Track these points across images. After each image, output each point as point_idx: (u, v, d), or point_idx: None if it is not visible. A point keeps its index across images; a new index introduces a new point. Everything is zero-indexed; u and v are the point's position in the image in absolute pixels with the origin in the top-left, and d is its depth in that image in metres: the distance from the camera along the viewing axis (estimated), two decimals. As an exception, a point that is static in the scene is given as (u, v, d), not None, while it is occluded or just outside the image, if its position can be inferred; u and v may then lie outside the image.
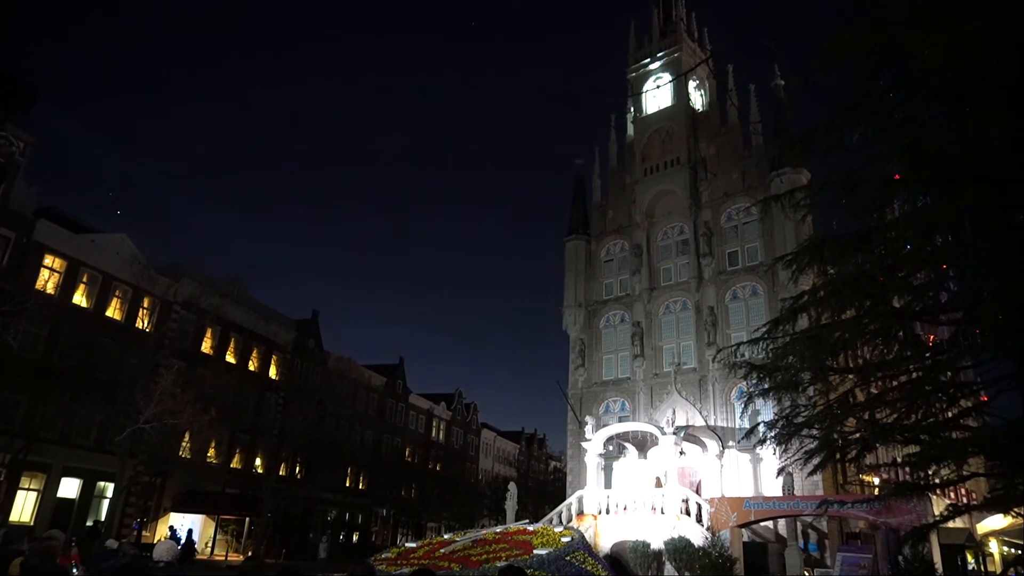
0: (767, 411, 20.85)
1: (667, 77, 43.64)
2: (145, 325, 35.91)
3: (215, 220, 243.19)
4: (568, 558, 21.04)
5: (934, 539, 22.96)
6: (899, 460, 13.86)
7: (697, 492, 31.55)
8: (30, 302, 27.43)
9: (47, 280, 32.25)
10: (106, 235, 36.40)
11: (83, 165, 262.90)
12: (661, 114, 43.13)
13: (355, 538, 53.42)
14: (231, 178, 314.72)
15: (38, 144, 32.13)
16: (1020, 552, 39.14)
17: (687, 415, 34.84)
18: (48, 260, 32.37)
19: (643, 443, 35.71)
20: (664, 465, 31.82)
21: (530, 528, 26.25)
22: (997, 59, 8.81)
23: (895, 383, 11.78)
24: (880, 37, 9.41)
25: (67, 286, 33.03)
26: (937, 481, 12.42)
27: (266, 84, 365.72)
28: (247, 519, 41.21)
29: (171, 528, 36.57)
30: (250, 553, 39.24)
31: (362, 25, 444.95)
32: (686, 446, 33.37)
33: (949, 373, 11.70)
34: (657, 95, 44.12)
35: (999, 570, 34.54)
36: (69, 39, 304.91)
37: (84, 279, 34.00)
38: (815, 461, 12.74)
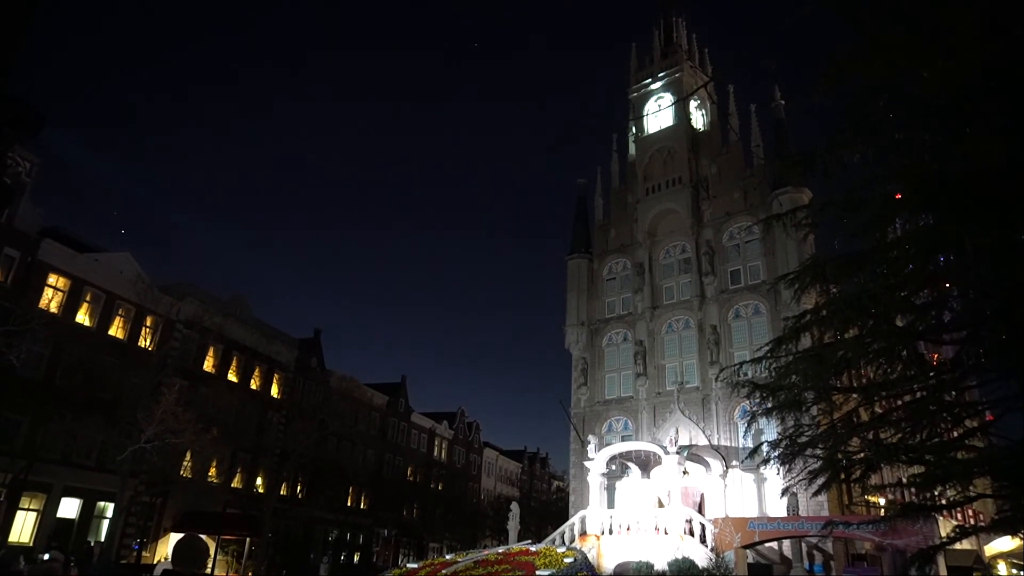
0: (771, 430, 20.70)
1: (668, 97, 44.03)
2: (148, 344, 35.91)
3: (218, 240, 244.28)
4: (571, 579, 20.82)
5: (941, 561, 22.77)
6: (905, 480, 13.76)
7: (700, 512, 31.32)
8: (33, 321, 27.46)
9: (51, 299, 32.34)
10: (110, 254, 36.55)
11: (88, 185, 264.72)
12: (662, 134, 43.41)
13: (356, 559, 52.99)
14: (234, 198, 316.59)
15: (44, 165, 32.37)
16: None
17: (690, 434, 34.68)
18: (52, 279, 32.47)
19: (646, 462, 35.50)
20: (667, 485, 31.61)
21: (533, 549, 26.01)
22: (996, 82, 8.88)
23: (899, 402, 11.73)
24: (879, 59, 9.49)
25: (70, 305, 33.10)
26: (943, 502, 12.31)
27: (268, 105, 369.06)
28: (248, 539, 40.91)
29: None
30: (250, 574, 38.93)
31: (365, 46, 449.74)
32: (689, 465, 33.16)
33: (954, 393, 11.65)
34: (658, 115, 44.45)
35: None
36: (71, 60, 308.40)
37: (87, 298, 34.09)
38: (819, 481, 12.65)
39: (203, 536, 38.42)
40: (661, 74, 45.12)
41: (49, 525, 30.82)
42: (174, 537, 37.30)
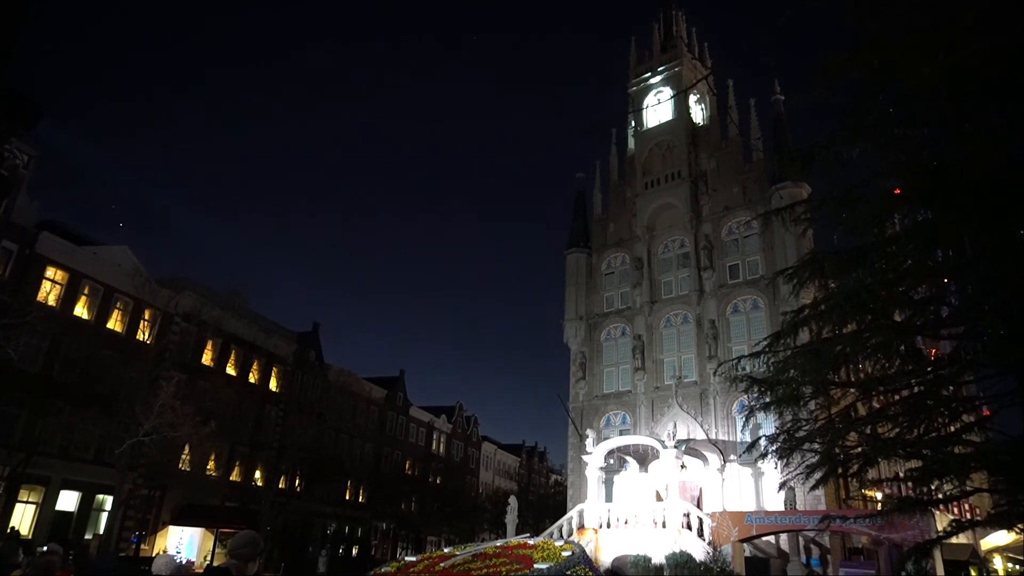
0: (768, 425, 20.79)
1: (668, 91, 43.91)
2: (146, 337, 35.88)
3: (216, 233, 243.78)
4: (569, 573, 20.87)
5: (938, 555, 22.83)
6: (902, 475, 13.80)
7: (698, 506, 31.39)
8: (31, 314, 27.40)
9: (48, 292, 32.27)
10: (108, 247, 36.44)
11: (85, 178, 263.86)
12: (662, 128, 43.32)
13: (354, 552, 53.08)
14: (232, 190, 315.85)
15: (41, 157, 32.24)
16: (1024, 568, 38.83)
17: (688, 428, 34.71)
18: (50, 272, 32.40)
19: (644, 457, 35.57)
20: (665, 479, 31.68)
21: (531, 542, 25.93)
22: (995, 78, 8.86)
23: (897, 397, 11.75)
24: (878, 56, 9.47)
25: (68, 298, 33.04)
26: (940, 496, 12.34)
27: (266, 94, 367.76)
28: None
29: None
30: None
31: (363, 34, 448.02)
32: (687, 460, 33.23)
33: (951, 388, 11.67)
34: (658, 109, 44.36)
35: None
36: (67, 51, 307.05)
37: (85, 291, 34.01)
38: (817, 475, 12.68)
39: (204, 529, 38.74)
40: (660, 68, 44.98)
41: (48, 518, 30.85)
42: (173, 530, 37.43)
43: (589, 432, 35.41)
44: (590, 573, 22.52)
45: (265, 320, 46.83)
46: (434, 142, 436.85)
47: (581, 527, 30.80)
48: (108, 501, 32.84)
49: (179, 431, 30.13)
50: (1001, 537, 35.52)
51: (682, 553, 25.91)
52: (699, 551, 26.26)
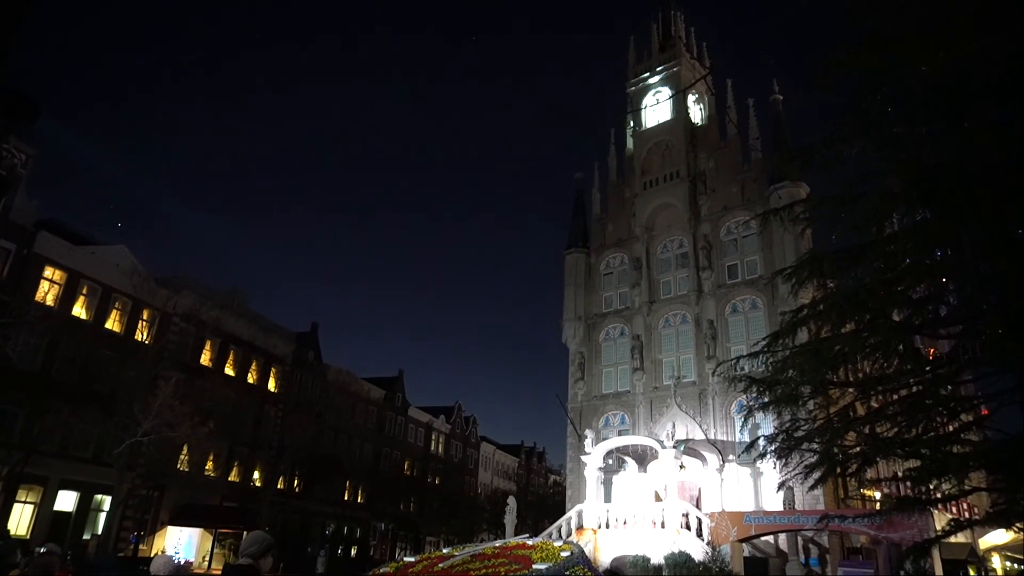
0: (767, 425, 20.80)
1: (666, 91, 43.93)
2: (144, 337, 35.84)
3: (215, 231, 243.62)
4: (568, 573, 20.85)
5: (936, 554, 22.85)
6: (900, 474, 13.80)
7: (697, 506, 31.40)
8: (29, 314, 27.39)
9: (47, 292, 32.23)
10: (106, 247, 36.40)
11: (84, 177, 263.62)
12: (660, 128, 43.33)
13: (353, 552, 53.06)
14: (232, 189, 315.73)
15: (39, 156, 32.20)
16: (1023, 567, 38.89)
17: (687, 429, 34.73)
18: (48, 272, 32.36)
19: (643, 457, 35.57)
20: (664, 479, 31.69)
21: (529, 542, 25.93)
22: (994, 76, 8.87)
23: (895, 397, 11.74)
24: (877, 54, 9.47)
25: (67, 298, 33.00)
26: (939, 496, 12.34)
27: (266, 93, 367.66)
28: (245, 533, 40.68)
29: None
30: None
31: (363, 31, 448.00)
32: (686, 460, 33.24)
33: (949, 387, 11.66)
34: (656, 109, 44.37)
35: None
36: (62, 49, 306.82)
37: (84, 291, 33.97)
38: (816, 475, 12.67)
39: (202, 529, 38.74)
40: (659, 68, 45.00)
41: (46, 518, 30.80)
42: (172, 530, 37.39)
43: (588, 432, 35.40)
44: (589, 573, 22.49)
45: (264, 320, 46.80)
46: (433, 141, 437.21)
47: (580, 527, 30.80)
48: (106, 501, 32.80)
49: (178, 431, 30.11)
50: (999, 536, 35.55)
51: (681, 553, 25.92)
52: (698, 551, 26.27)
